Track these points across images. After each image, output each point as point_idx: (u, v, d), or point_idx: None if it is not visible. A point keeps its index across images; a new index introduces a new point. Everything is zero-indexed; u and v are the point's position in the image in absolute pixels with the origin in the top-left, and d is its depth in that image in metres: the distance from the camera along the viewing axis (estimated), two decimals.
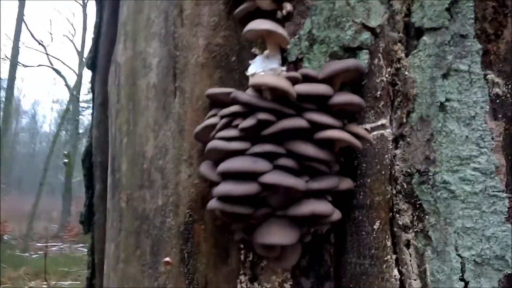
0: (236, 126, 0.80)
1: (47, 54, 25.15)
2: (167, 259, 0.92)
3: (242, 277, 0.90)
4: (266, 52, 0.87)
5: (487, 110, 0.83)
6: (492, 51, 0.87)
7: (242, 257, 0.91)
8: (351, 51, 0.84)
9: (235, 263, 0.91)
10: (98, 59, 1.24)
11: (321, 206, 0.76)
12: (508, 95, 0.86)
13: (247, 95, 0.79)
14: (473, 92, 0.84)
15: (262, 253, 0.82)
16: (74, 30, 40.58)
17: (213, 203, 0.80)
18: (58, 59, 50.53)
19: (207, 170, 0.86)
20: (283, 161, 0.77)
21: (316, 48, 0.86)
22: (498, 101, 0.86)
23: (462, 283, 0.80)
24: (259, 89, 0.81)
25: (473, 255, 0.81)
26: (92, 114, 1.28)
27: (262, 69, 0.84)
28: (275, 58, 0.85)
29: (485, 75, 0.85)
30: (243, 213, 0.78)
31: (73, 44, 25.54)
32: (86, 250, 1.41)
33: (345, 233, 0.85)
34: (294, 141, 0.78)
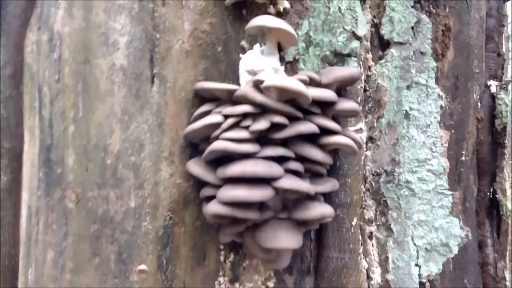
0: (245, 127, 0.82)
1: None
2: (142, 266, 0.87)
3: (221, 279, 0.92)
4: (262, 47, 0.89)
5: (438, 119, 1.04)
6: (439, 68, 1.07)
7: (221, 258, 0.93)
8: (341, 57, 0.94)
9: (212, 264, 0.92)
10: (4, 18, 1.02)
11: (327, 209, 0.84)
12: (447, 107, 1.09)
13: (262, 96, 0.80)
14: (428, 104, 1.03)
15: (261, 256, 0.86)
16: None
17: (216, 208, 0.79)
18: None
19: (201, 171, 0.84)
20: (293, 165, 0.83)
21: (311, 50, 0.92)
22: (441, 112, 1.07)
23: (417, 268, 1.01)
24: (258, 87, 0.84)
25: (424, 243, 1.02)
26: None
27: (262, 66, 0.86)
28: (273, 55, 0.88)
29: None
30: (253, 218, 0.81)
31: None
32: None
33: (325, 230, 0.96)
34: (302, 144, 0.84)
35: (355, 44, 0.93)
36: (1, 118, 1.01)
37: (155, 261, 0.88)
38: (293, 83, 0.79)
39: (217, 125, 0.82)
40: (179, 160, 0.89)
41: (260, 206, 0.83)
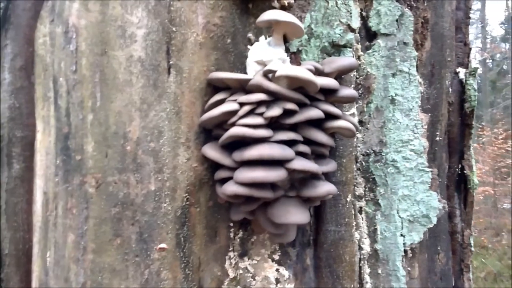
0: (260, 114, 0.88)
1: None
2: (162, 245, 0.93)
3: (231, 254, 1.00)
4: (269, 39, 0.95)
5: (419, 104, 1.15)
6: (419, 57, 1.18)
7: (231, 235, 1.00)
8: (337, 48, 1.01)
9: (223, 241, 0.99)
10: (14, 11, 1.02)
11: (331, 187, 0.93)
12: (425, 92, 1.20)
13: (275, 85, 0.87)
14: (411, 90, 1.13)
15: (272, 231, 0.94)
16: None
17: (235, 188, 0.86)
18: None
19: (218, 154, 0.90)
20: (302, 148, 0.91)
21: (312, 42, 0.99)
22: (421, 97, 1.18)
23: (402, 238, 1.12)
24: (267, 77, 0.91)
25: (408, 215, 1.13)
26: None
27: (271, 57, 0.93)
28: (280, 46, 0.94)
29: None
30: (268, 197, 0.88)
31: None
32: None
33: (323, 206, 1.05)
34: (309, 129, 0.92)
35: (350, 36, 1.02)
36: (13, 108, 1.02)
37: (174, 239, 0.94)
38: (304, 72, 0.86)
39: (233, 113, 0.88)
40: (195, 145, 0.94)
41: (272, 186, 0.91)
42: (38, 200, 1.01)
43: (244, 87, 0.91)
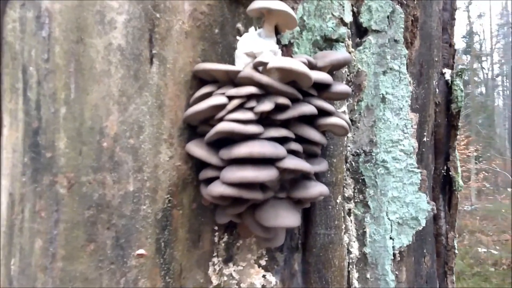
0: (250, 109, 0.81)
1: None
2: (141, 251, 0.84)
3: (215, 259, 0.91)
4: (259, 30, 0.88)
5: (409, 103, 1.10)
6: (408, 56, 1.13)
7: (216, 239, 0.92)
8: (330, 42, 0.95)
9: (207, 245, 0.91)
10: None
11: (323, 188, 0.86)
12: (413, 92, 1.15)
13: (267, 77, 0.80)
14: (401, 88, 1.08)
15: (260, 235, 0.86)
16: None
17: (222, 189, 0.78)
18: None
19: (204, 152, 0.82)
20: (294, 146, 0.84)
21: (304, 34, 0.92)
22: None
23: (391, 241, 1.06)
24: (257, 69, 0.84)
25: (397, 217, 1.08)
26: None
27: (261, 49, 0.85)
28: (271, 38, 0.87)
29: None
30: (258, 198, 0.80)
31: None
32: None
33: (313, 208, 0.98)
34: (301, 126, 0.85)
35: (343, 30, 0.96)
36: None
37: (154, 244, 0.85)
38: (298, 65, 0.80)
39: (221, 107, 0.81)
40: (178, 142, 0.86)
41: (261, 186, 0.84)
42: (3, 202, 0.90)
43: (233, 79, 0.84)
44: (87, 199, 0.83)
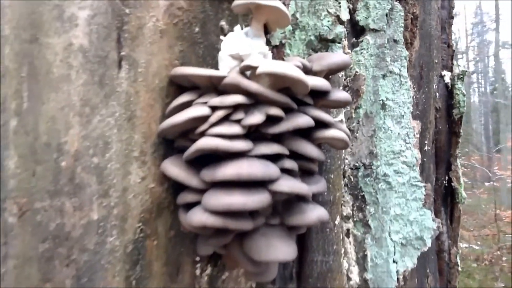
0: (237, 121, 0.68)
1: None
2: None
3: None
4: (246, 29, 0.75)
5: (411, 110, 0.99)
6: (408, 57, 1.02)
7: (197, 271, 0.79)
8: (325, 43, 0.83)
9: (187, 279, 0.77)
10: None
11: (322, 211, 0.74)
12: (414, 97, 1.04)
13: (257, 85, 0.67)
14: (402, 93, 0.97)
15: (250, 269, 0.73)
16: None
17: (205, 219, 0.65)
18: None
19: (182, 173, 0.69)
20: (288, 164, 0.71)
21: (297, 34, 0.80)
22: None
23: (395, 265, 0.95)
24: (245, 74, 0.71)
25: (400, 238, 0.96)
26: None
27: (249, 50, 0.72)
28: (260, 38, 0.74)
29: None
30: (247, 228, 0.68)
31: None
32: None
33: (308, 232, 0.86)
34: (296, 140, 0.72)
35: (339, 29, 0.84)
36: None
37: (123, 283, 0.71)
38: (292, 69, 0.67)
39: (203, 119, 0.67)
40: (152, 160, 0.73)
41: (251, 212, 0.71)
42: None
43: (217, 86, 0.70)
44: (42, 230, 0.69)
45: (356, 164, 0.95)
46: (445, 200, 1.19)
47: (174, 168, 0.70)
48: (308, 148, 0.72)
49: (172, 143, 0.74)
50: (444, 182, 1.17)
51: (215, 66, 0.76)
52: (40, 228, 0.68)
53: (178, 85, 0.74)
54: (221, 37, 0.75)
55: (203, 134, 0.68)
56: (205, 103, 0.69)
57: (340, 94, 0.77)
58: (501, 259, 8.02)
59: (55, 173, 0.68)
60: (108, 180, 0.70)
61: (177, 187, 0.74)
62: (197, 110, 0.67)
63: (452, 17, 1.24)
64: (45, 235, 0.68)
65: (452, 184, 1.16)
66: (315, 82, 0.72)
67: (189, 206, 0.71)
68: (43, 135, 0.68)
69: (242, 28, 0.76)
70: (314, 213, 0.73)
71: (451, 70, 1.22)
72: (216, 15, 0.77)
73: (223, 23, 0.77)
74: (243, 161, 0.67)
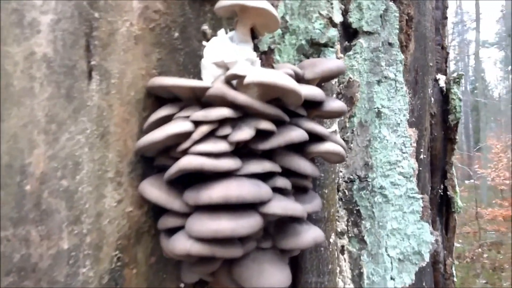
0: (223, 137, 0.61)
1: None
2: None
3: None
4: (231, 34, 0.68)
5: (407, 117, 0.93)
6: (403, 61, 0.96)
7: None
8: (317, 48, 0.76)
9: None
10: None
11: (318, 232, 0.67)
12: (409, 103, 0.98)
13: (245, 96, 0.60)
14: (397, 100, 0.91)
15: None
16: None
17: (189, 246, 0.58)
18: None
19: (162, 195, 0.62)
20: (281, 182, 0.64)
21: (287, 38, 0.73)
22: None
23: (392, 282, 0.89)
24: (231, 84, 0.64)
25: (397, 253, 0.90)
26: None
27: (235, 57, 0.65)
28: (247, 43, 0.67)
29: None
30: (236, 255, 0.61)
31: None
32: None
33: (301, 252, 0.79)
34: (288, 155, 0.66)
35: (332, 32, 0.77)
36: None
37: None
38: (283, 78, 0.60)
39: (185, 135, 0.60)
40: (129, 181, 0.65)
41: (240, 237, 0.64)
42: None
43: (200, 98, 0.63)
44: (6, 262, 0.61)
45: (351, 176, 0.88)
46: (440, 209, 1.13)
47: (153, 190, 0.62)
48: (302, 164, 0.66)
49: (152, 161, 0.67)
50: (440, 191, 1.12)
51: (198, 75, 0.69)
52: (3, 260, 0.60)
53: (156, 97, 0.66)
54: (204, 42, 0.68)
55: (185, 152, 0.60)
56: (187, 117, 0.61)
57: (335, 104, 0.70)
58: (482, 256, 8.10)
59: (19, 198, 0.60)
60: (80, 205, 0.62)
61: (158, 210, 0.67)
62: (179, 126, 0.60)
63: (446, 18, 1.19)
64: (9, 268, 0.60)
65: (448, 193, 1.11)
66: (309, 92, 0.65)
67: (172, 230, 0.64)
68: (4, 155, 0.60)
69: (226, 33, 0.69)
70: (310, 235, 0.66)
71: (445, 73, 1.17)
72: (198, 19, 0.69)
73: (205, 27, 0.70)
74: (231, 181, 0.60)
